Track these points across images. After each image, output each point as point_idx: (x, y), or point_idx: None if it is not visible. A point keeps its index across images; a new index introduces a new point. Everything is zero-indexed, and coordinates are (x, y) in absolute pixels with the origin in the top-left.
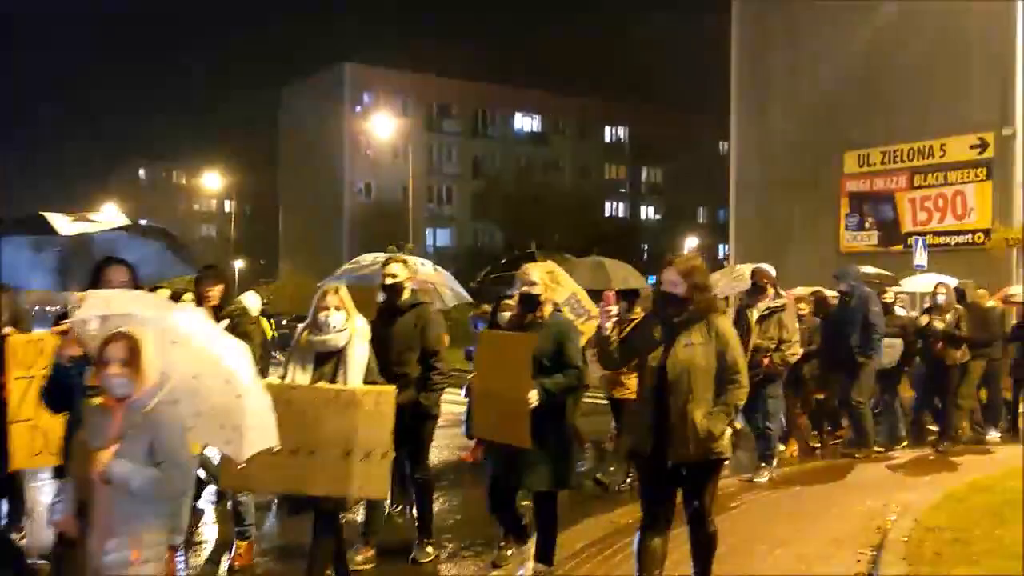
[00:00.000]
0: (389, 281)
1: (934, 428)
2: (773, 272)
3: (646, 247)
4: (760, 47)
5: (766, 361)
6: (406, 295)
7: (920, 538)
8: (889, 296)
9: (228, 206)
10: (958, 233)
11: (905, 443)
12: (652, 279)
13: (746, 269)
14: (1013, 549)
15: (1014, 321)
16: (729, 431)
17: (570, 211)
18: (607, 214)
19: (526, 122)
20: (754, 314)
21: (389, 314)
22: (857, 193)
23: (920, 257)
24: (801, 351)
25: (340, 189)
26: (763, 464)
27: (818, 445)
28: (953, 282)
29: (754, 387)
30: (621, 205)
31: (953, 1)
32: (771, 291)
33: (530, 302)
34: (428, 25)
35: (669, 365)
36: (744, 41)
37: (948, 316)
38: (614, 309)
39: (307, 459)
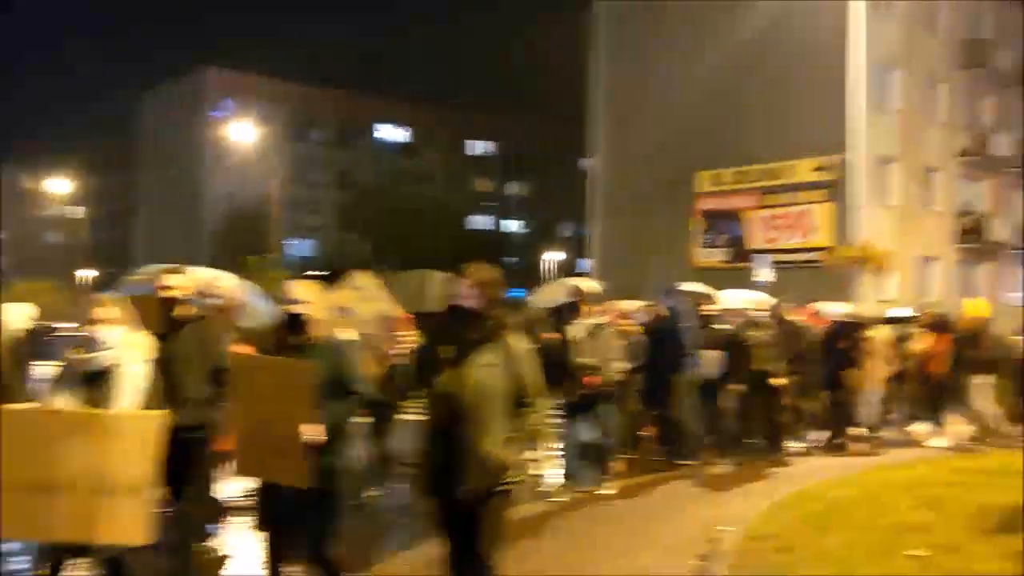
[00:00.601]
0: (162, 293)
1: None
2: (594, 289)
3: (516, 260)
4: (622, 67)
5: (588, 379)
6: (183, 308)
7: (746, 547)
8: (712, 309)
9: (79, 212)
10: (803, 251)
11: (734, 454)
12: (517, 292)
13: (574, 284)
14: (833, 556)
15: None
16: (526, 458)
17: (438, 223)
18: (474, 227)
19: (395, 133)
20: (576, 331)
21: (169, 328)
22: (710, 211)
23: (761, 273)
24: (628, 367)
25: (200, 197)
26: (603, 476)
27: (660, 458)
28: (765, 299)
29: (586, 404)
30: (488, 219)
31: (803, 32)
32: (588, 308)
33: (294, 322)
34: (295, 33)
35: (460, 388)
36: (606, 61)
37: (763, 332)
38: (409, 335)
39: (48, 498)
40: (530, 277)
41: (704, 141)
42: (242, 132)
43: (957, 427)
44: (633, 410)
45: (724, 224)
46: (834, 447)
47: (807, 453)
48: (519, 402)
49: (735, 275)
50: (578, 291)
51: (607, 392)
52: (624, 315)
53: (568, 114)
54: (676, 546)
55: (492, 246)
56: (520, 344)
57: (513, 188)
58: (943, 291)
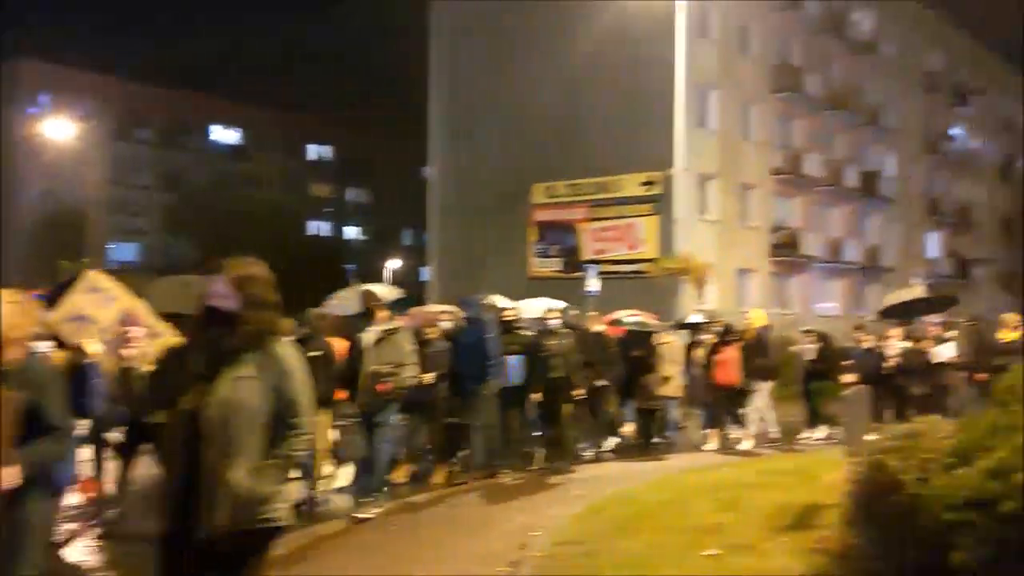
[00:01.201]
0: None
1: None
2: (389, 295)
3: (351, 267)
4: (461, 77)
5: (381, 386)
6: None
7: (554, 553)
8: (512, 317)
9: None
10: (630, 262)
11: (538, 461)
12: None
13: (367, 289)
14: (635, 558)
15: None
16: (290, 490)
17: (272, 229)
18: (311, 233)
19: (227, 135)
20: (368, 337)
21: None
22: (544, 222)
23: (591, 284)
24: (422, 374)
25: (11, 197)
26: (370, 497)
27: (455, 469)
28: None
29: (374, 414)
30: (326, 225)
31: (634, 51)
32: (382, 313)
33: None
34: (119, 27)
35: (208, 406)
36: (445, 69)
37: (559, 340)
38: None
39: None
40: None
41: (541, 153)
42: (60, 129)
43: (749, 431)
44: (435, 419)
45: (558, 235)
46: (642, 452)
47: (615, 458)
48: (283, 422)
49: (569, 285)
50: (371, 297)
51: (405, 399)
52: (428, 322)
53: (409, 120)
54: (487, 555)
55: (330, 253)
56: (289, 354)
57: (352, 194)
58: (759, 302)
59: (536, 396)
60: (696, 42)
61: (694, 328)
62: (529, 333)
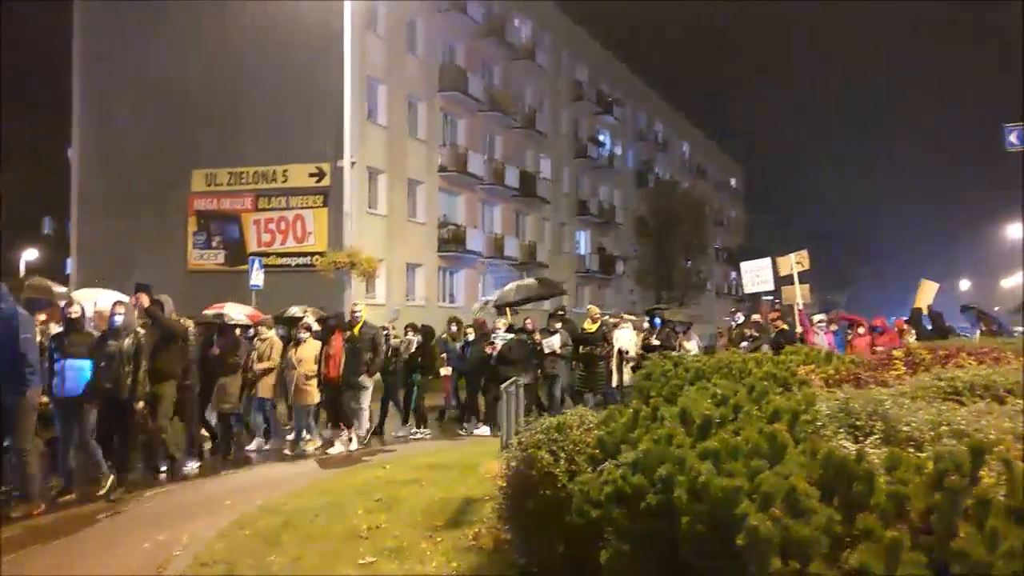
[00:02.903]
0: None
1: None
2: None
3: None
4: (110, 50)
5: None
6: None
7: (195, 573)
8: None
9: None
10: (298, 255)
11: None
12: None
13: None
14: (280, 574)
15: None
16: None
17: None
18: None
19: None
20: None
21: None
22: (205, 211)
23: (255, 278)
24: None
25: None
26: None
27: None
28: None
29: None
30: None
31: (301, 40)
32: None
33: None
34: None
35: None
36: (91, 42)
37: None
38: None
39: None
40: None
41: (201, 140)
42: None
43: (356, 431)
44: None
45: (221, 226)
46: (226, 462)
47: (264, 462)
48: None
49: (233, 278)
50: None
51: None
52: None
53: (51, 97)
54: None
55: None
56: None
57: None
58: (426, 295)
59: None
60: (365, 35)
61: (291, 323)
62: (95, 332)
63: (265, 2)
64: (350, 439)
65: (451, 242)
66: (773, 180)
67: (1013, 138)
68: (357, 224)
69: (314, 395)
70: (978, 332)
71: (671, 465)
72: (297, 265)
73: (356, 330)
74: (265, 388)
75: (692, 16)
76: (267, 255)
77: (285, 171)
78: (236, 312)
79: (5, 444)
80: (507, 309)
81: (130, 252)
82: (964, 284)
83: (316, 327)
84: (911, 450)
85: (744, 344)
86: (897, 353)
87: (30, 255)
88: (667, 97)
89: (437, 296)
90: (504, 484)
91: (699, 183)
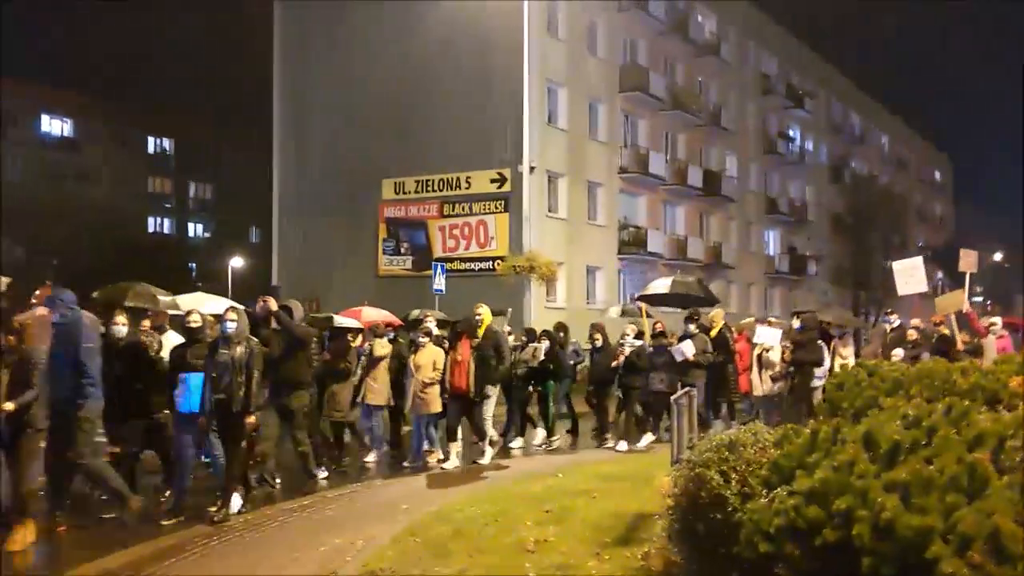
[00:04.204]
0: None
1: None
2: None
3: (194, 266)
4: (305, 68)
5: None
6: None
7: None
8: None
9: None
10: (480, 260)
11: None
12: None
13: None
14: None
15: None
16: None
17: (107, 226)
18: (151, 230)
19: (55, 125)
20: None
21: None
22: (394, 219)
23: (438, 282)
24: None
25: None
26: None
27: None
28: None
29: None
30: (167, 221)
31: (484, 47)
32: None
33: None
34: None
35: None
36: (290, 59)
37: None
38: None
39: None
40: (213, 283)
41: (390, 149)
42: None
43: (485, 444)
44: None
45: (408, 232)
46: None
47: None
48: None
49: (420, 283)
50: None
51: None
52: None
53: (254, 113)
54: None
55: (171, 251)
56: None
57: (195, 189)
58: (606, 299)
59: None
60: (544, 39)
61: (414, 326)
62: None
63: (447, 8)
64: (482, 452)
65: (632, 244)
66: (983, 172)
67: None
68: (537, 228)
69: (434, 404)
70: None
71: (852, 497)
72: (480, 269)
73: (480, 335)
74: (377, 394)
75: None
76: (451, 260)
77: (468, 178)
78: (372, 314)
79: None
80: (643, 309)
81: (326, 259)
82: None
83: (436, 331)
84: None
85: (898, 351)
86: None
87: (236, 262)
88: (864, 86)
89: (617, 299)
90: (673, 504)
91: (900, 177)
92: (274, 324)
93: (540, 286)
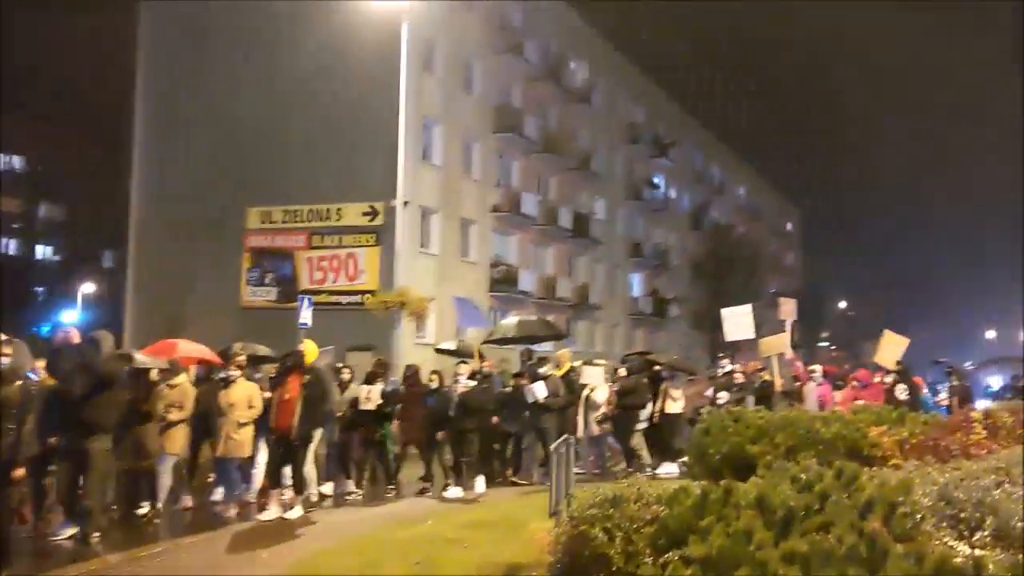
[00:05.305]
0: None
1: None
2: None
3: (42, 290)
4: (172, 88)
5: None
6: None
7: None
8: None
9: None
10: (349, 293)
11: None
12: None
13: None
14: None
15: None
16: None
17: None
18: None
19: None
20: None
21: None
22: (259, 248)
23: (303, 316)
24: None
25: None
26: None
27: None
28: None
29: None
30: (13, 242)
31: (358, 79)
32: None
33: None
34: None
35: None
36: (153, 78)
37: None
38: None
39: None
40: (62, 310)
41: (258, 176)
42: None
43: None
44: None
45: (274, 262)
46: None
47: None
48: None
49: (284, 315)
50: None
51: None
52: None
53: (112, 131)
54: None
55: (17, 274)
56: None
57: (45, 209)
58: (477, 335)
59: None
60: (421, 75)
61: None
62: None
63: (324, 37)
64: (291, 505)
65: (503, 282)
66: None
67: None
68: (408, 263)
69: (245, 447)
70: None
71: (750, 570)
72: (348, 304)
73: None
74: (173, 442)
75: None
76: (318, 293)
77: (339, 210)
78: (189, 348)
79: None
80: (477, 349)
81: (185, 288)
82: None
83: (249, 366)
84: None
85: (723, 394)
86: (976, 415)
87: (88, 288)
88: (724, 139)
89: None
90: (553, 560)
91: (755, 226)
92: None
93: (410, 322)
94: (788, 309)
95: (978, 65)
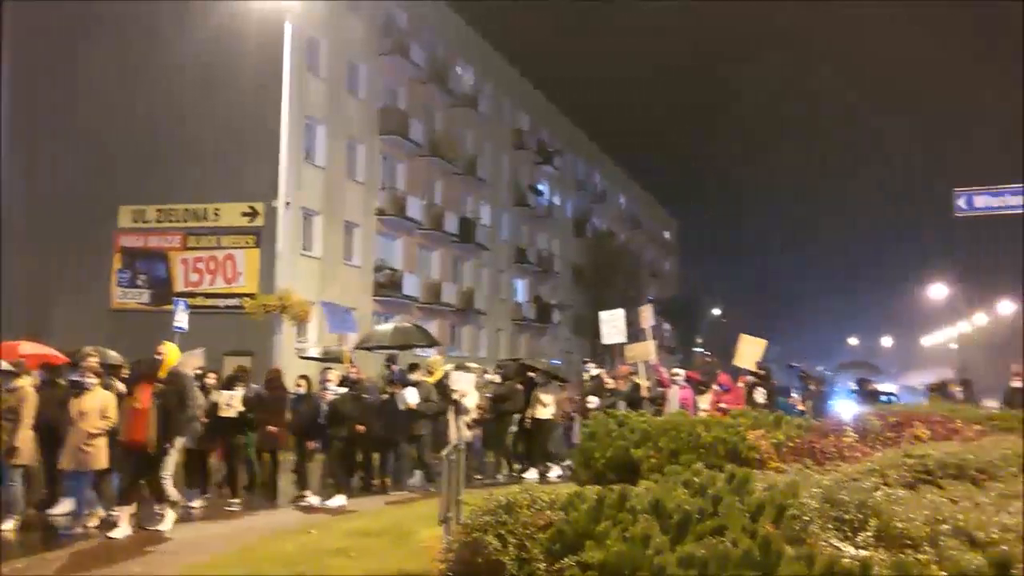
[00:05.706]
0: None
1: None
2: None
3: None
4: (37, 82)
5: None
6: None
7: None
8: None
9: None
10: (227, 296)
11: None
12: None
13: None
14: None
15: None
16: None
17: None
18: None
19: None
20: None
21: None
22: (131, 249)
23: (179, 319)
24: None
25: None
26: None
27: None
28: None
29: None
30: None
31: (239, 78)
32: None
33: None
34: None
35: None
36: (18, 72)
37: None
38: None
39: None
40: None
41: (130, 175)
42: None
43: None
44: None
45: (146, 263)
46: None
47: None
48: None
49: (157, 318)
50: None
51: None
52: None
53: None
54: None
55: None
56: None
57: None
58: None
59: None
60: (304, 75)
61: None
62: None
63: (203, 37)
64: (162, 516)
65: (387, 287)
66: (706, 234)
67: (962, 203)
68: (290, 266)
69: (101, 458)
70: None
71: (648, 574)
72: (226, 307)
73: (161, 378)
74: (22, 452)
75: (634, 69)
76: (194, 295)
77: (217, 210)
78: (32, 349)
79: None
80: (346, 354)
81: (52, 289)
82: (887, 341)
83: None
84: (909, 551)
85: (593, 398)
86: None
87: None
88: (606, 149)
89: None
90: (444, 568)
91: (635, 234)
92: None
93: (292, 327)
94: (646, 316)
95: (851, 78)
